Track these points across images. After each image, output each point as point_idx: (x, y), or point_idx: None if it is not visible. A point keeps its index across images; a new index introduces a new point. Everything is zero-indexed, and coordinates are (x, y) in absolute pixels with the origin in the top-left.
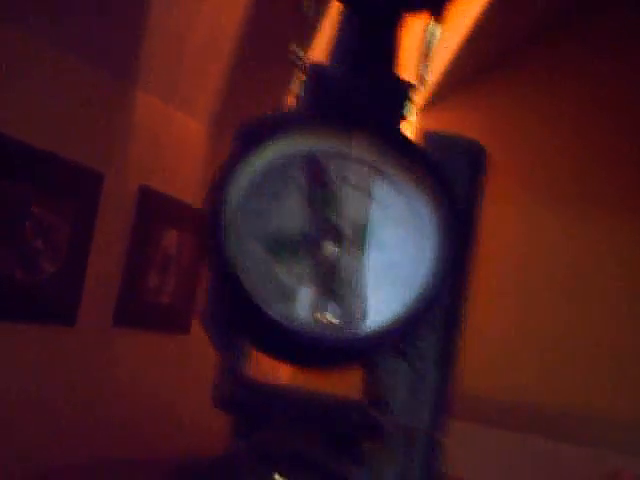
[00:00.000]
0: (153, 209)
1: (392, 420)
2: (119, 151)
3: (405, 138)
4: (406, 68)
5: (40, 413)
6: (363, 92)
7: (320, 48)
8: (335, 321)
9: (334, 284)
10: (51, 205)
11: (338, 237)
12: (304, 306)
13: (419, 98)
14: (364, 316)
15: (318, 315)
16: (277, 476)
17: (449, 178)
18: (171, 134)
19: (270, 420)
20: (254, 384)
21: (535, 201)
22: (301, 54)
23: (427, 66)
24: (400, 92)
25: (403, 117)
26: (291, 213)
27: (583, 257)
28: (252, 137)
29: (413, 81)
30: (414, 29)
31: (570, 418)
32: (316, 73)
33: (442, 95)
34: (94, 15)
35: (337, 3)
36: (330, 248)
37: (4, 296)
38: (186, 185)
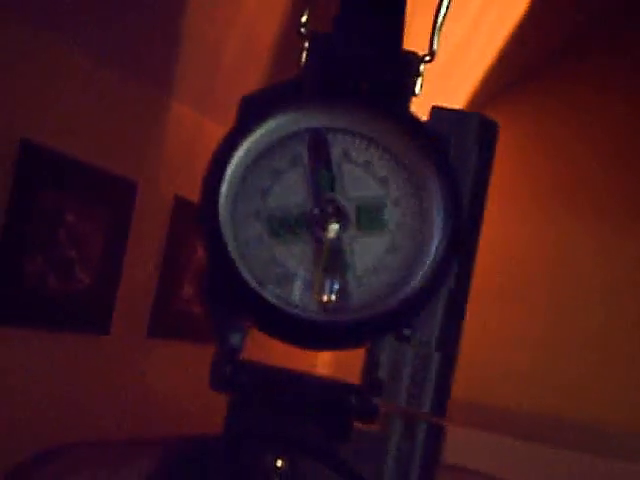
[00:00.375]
0: (188, 219)
1: (391, 404)
2: (153, 161)
3: (411, 115)
4: (415, 39)
5: (69, 423)
6: (369, 65)
7: (328, 15)
8: (335, 303)
9: (335, 266)
10: (85, 214)
11: (340, 217)
12: (304, 288)
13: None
14: (365, 299)
15: (318, 297)
16: (279, 461)
17: (457, 156)
18: (205, 145)
19: (265, 402)
20: (251, 365)
21: (569, 215)
22: (306, 21)
23: (437, 37)
24: (408, 65)
25: (411, 92)
26: (292, 191)
27: (617, 271)
28: (255, 111)
29: (422, 53)
30: None
31: (576, 427)
32: (320, 43)
33: (475, 105)
34: (128, 25)
35: None
36: (332, 228)
37: (38, 305)
38: None
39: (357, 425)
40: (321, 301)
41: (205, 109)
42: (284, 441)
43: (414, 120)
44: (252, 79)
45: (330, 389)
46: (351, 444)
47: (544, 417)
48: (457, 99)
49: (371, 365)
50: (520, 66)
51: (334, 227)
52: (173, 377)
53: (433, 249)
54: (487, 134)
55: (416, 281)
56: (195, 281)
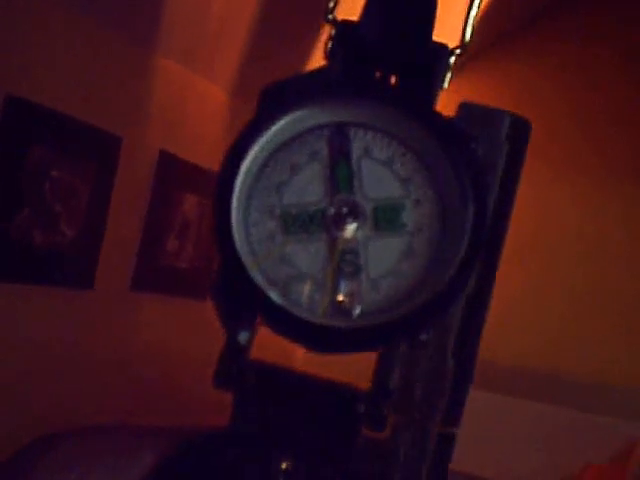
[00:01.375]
0: (173, 174)
1: (403, 413)
2: (138, 115)
3: (438, 112)
4: (444, 30)
5: (55, 376)
6: (397, 57)
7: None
8: (349, 307)
9: (351, 267)
10: (70, 168)
11: (358, 216)
12: (314, 290)
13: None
14: (378, 304)
15: (331, 300)
16: (284, 464)
17: (485, 156)
18: (191, 99)
19: (270, 403)
20: (258, 364)
21: (549, 170)
22: (333, 6)
23: (470, 28)
24: (438, 58)
25: (439, 86)
26: (309, 188)
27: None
28: (275, 103)
29: (452, 45)
30: None
31: (584, 386)
32: (346, 32)
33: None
34: None
35: None
36: (350, 228)
37: (23, 259)
38: (206, 150)
39: (365, 433)
40: (334, 305)
41: (191, 64)
42: (289, 444)
43: (440, 118)
44: (239, 34)
45: (338, 394)
46: (358, 452)
47: (530, 371)
48: None
49: (382, 371)
50: (505, 22)
51: (351, 226)
52: (157, 330)
53: (453, 255)
54: (518, 133)
55: (434, 287)
56: (179, 235)
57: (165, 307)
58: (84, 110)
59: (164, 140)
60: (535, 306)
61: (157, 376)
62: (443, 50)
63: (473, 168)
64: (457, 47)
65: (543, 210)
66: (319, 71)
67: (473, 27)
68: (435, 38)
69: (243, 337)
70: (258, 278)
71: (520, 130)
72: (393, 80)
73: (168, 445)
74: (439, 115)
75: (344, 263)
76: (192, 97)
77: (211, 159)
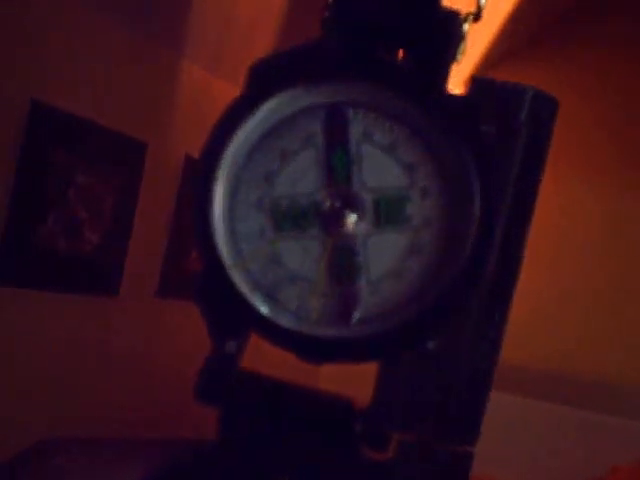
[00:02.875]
0: None
1: (407, 431)
2: (164, 121)
3: (448, 90)
4: None
5: (81, 382)
6: (401, 27)
7: None
8: (346, 313)
9: (348, 268)
10: (95, 174)
11: (357, 209)
12: (305, 294)
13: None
14: (379, 308)
15: (325, 304)
16: None
17: (502, 140)
18: (217, 104)
19: (259, 420)
20: (246, 375)
21: (572, 171)
22: None
23: None
24: (448, 26)
25: (450, 59)
26: (302, 177)
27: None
28: (265, 81)
29: (465, 12)
30: None
31: (607, 388)
32: (343, 0)
33: (489, 65)
34: None
35: None
36: (347, 222)
37: (48, 266)
38: None
39: (365, 452)
40: (326, 308)
41: (217, 69)
42: (282, 463)
43: (450, 97)
44: (265, 39)
45: (334, 411)
46: (358, 473)
47: (545, 372)
48: (464, 62)
49: (383, 385)
50: (531, 27)
51: (349, 221)
52: (182, 337)
53: (464, 251)
54: (542, 112)
55: (442, 288)
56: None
57: (191, 313)
58: (109, 116)
59: (189, 145)
60: (556, 306)
61: (183, 383)
62: (454, 17)
63: (484, 154)
64: (471, 13)
65: (565, 208)
66: (314, 45)
67: None
68: (445, 4)
69: (230, 346)
70: (242, 283)
71: (544, 108)
72: (397, 54)
73: (162, 457)
74: (447, 93)
75: (341, 263)
76: (217, 102)
77: None
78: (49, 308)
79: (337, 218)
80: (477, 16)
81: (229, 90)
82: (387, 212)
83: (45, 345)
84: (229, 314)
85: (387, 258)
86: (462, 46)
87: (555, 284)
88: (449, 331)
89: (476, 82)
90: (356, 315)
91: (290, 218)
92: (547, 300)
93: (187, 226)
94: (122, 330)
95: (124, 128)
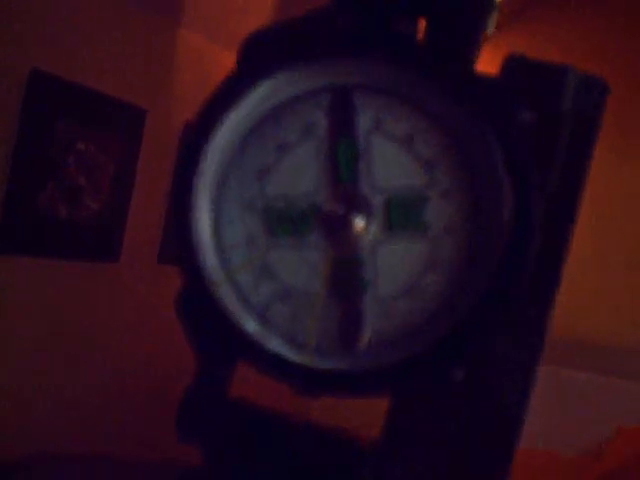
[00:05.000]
0: None
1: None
2: (163, 88)
3: (476, 70)
4: None
5: (81, 348)
6: None
7: None
8: (351, 339)
9: (353, 283)
10: (95, 142)
11: (365, 212)
12: (302, 313)
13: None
14: (387, 333)
15: (324, 327)
16: None
17: (540, 130)
18: (216, 71)
19: (249, 461)
20: (235, 405)
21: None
22: None
23: None
24: None
25: (480, 33)
26: (301, 174)
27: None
28: (259, 59)
29: None
30: None
31: (614, 351)
32: None
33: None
34: None
35: None
36: (354, 228)
37: (48, 233)
38: None
39: None
40: (325, 332)
41: (216, 36)
42: None
43: (480, 78)
44: (264, 7)
45: (337, 451)
46: None
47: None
48: None
49: (394, 423)
50: None
51: (358, 224)
52: None
53: (493, 264)
54: (589, 97)
55: (466, 309)
56: None
57: None
58: (109, 83)
59: (189, 112)
60: (567, 270)
61: (185, 349)
62: None
63: (518, 147)
64: None
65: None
66: (317, 15)
67: None
68: None
69: (218, 368)
70: (229, 299)
71: (592, 93)
72: (417, 27)
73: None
74: (477, 74)
75: (344, 277)
76: (216, 69)
77: None
78: (50, 274)
79: (341, 223)
80: None
81: (228, 57)
82: (401, 216)
83: (46, 312)
84: (215, 336)
85: (400, 272)
86: (494, 16)
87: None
88: (473, 362)
89: (512, 61)
90: (361, 341)
91: (286, 222)
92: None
93: None
94: (123, 297)
95: (124, 95)
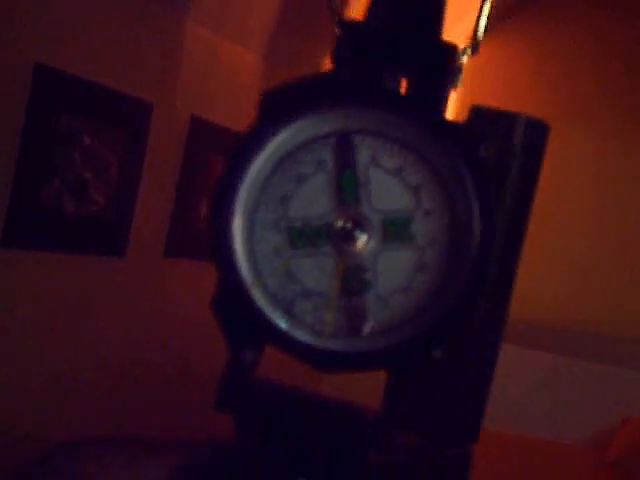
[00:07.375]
0: (205, 139)
1: (414, 435)
2: (169, 81)
3: (448, 118)
4: (452, 30)
5: (86, 344)
6: (404, 59)
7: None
8: (358, 326)
9: (359, 283)
10: (101, 136)
11: (366, 229)
12: (320, 308)
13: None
14: (388, 322)
15: (338, 318)
16: None
17: (499, 162)
18: (222, 64)
19: (273, 426)
20: (261, 384)
21: (567, 125)
22: (337, 6)
23: (482, 26)
24: (448, 59)
25: (450, 88)
26: (315, 200)
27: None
28: (279, 111)
29: (462, 46)
30: None
31: (617, 340)
32: (351, 33)
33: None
34: None
35: None
36: (357, 242)
37: (54, 227)
38: (237, 115)
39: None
40: (338, 321)
41: (221, 30)
42: (294, 468)
43: (451, 124)
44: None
45: (344, 418)
46: (369, 476)
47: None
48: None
49: (392, 392)
50: None
51: (360, 240)
52: (190, 297)
53: (467, 267)
54: (534, 137)
55: (448, 302)
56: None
57: (200, 273)
58: (114, 77)
59: (195, 105)
60: (563, 257)
61: (192, 344)
62: (453, 50)
63: (482, 177)
64: (468, 46)
65: (565, 167)
66: (322, 76)
67: (485, 26)
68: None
69: (247, 356)
70: (261, 299)
71: (536, 133)
72: (401, 84)
73: (178, 459)
74: (450, 121)
75: (352, 279)
76: (222, 62)
77: (243, 123)
78: (56, 269)
79: (348, 237)
80: (475, 49)
81: (234, 49)
82: (394, 231)
83: (52, 307)
84: (247, 327)
85: (395, 274)
86: (460, 76)
87: (560, 238)
88: (454, 340)
89: (476, 110)
90: (366, 328)
91: (304, 237)
92: (556, 253)
93: (193, 186)
94: (129, 291)
95: (130, 89)
